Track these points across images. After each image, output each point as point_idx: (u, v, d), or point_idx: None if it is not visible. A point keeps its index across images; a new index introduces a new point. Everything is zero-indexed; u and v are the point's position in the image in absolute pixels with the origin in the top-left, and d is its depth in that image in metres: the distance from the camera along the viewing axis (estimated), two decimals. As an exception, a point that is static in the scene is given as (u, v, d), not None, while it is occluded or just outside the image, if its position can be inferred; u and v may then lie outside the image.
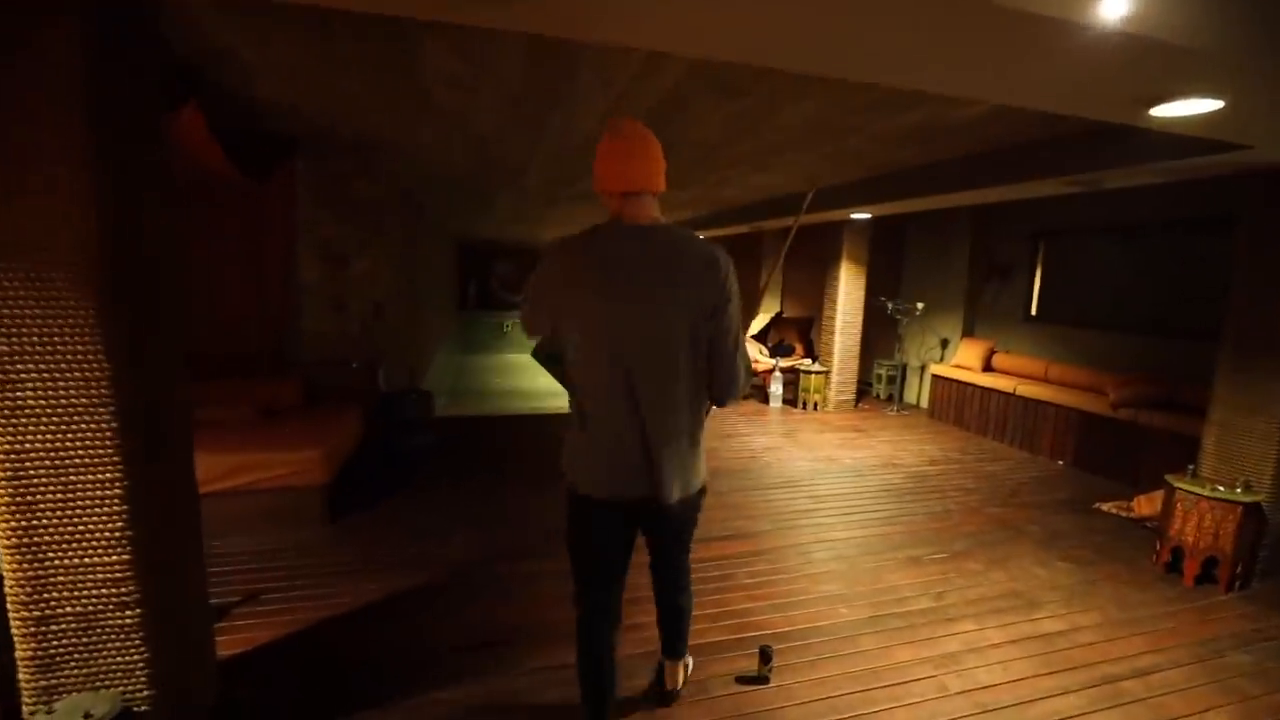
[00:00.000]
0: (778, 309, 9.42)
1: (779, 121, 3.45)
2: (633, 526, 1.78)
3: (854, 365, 6.89)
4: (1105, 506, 4.14)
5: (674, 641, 2.14)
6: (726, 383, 1.65)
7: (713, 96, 3.03)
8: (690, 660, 2.28)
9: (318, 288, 4.59)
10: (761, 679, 2.30)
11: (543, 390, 13.58)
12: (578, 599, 1.83)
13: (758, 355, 7.45)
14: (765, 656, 2.32)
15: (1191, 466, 3.34)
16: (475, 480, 4.32)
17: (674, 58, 2.48)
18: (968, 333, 6.68)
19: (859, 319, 6.80)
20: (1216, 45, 1.51)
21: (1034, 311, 6.08)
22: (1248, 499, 3.00)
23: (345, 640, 2.49)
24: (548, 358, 1.70)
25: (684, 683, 2.24)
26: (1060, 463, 5.15)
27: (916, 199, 4.72)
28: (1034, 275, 6.05)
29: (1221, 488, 3.09)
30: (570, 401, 1.68)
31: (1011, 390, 5.63)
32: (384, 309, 4.73)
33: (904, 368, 7.25)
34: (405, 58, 2.61)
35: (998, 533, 3.73)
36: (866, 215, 5.81)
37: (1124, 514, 4.01)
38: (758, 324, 8.47)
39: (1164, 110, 1.98)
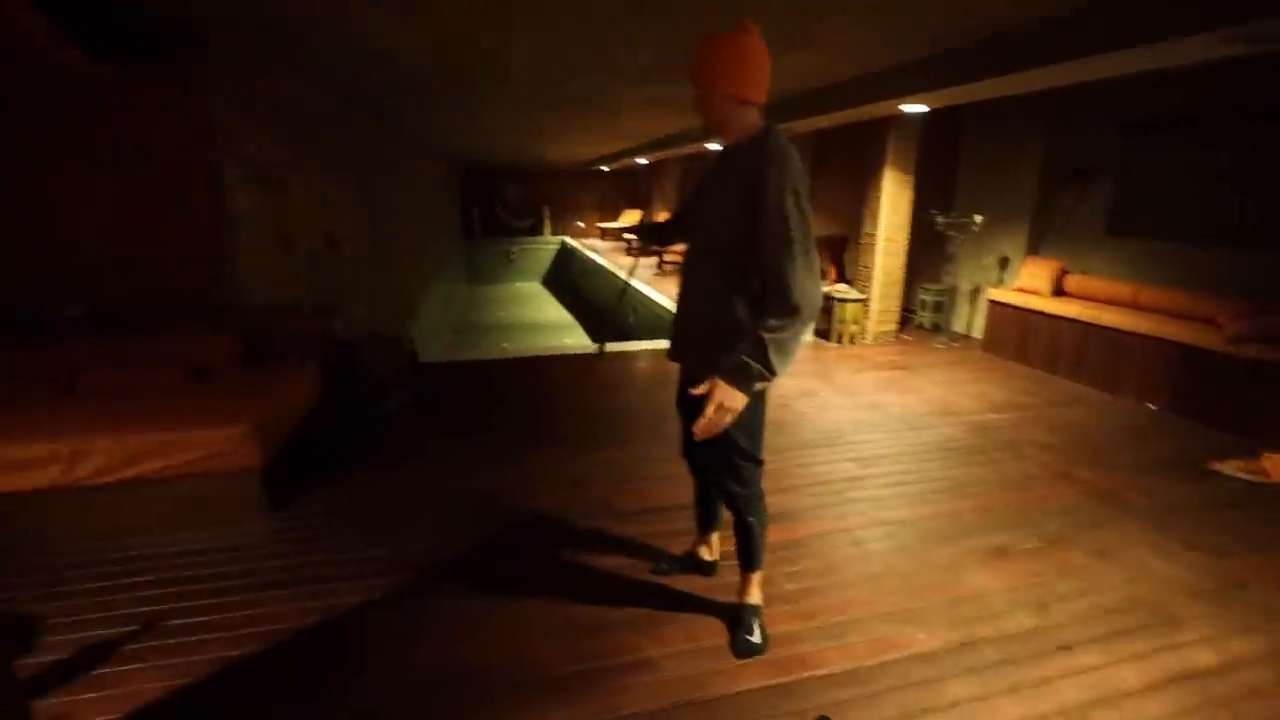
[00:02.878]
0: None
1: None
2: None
3: (897, 292, 6.00)
4: (1224, 467, 3.36)
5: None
6: (771, 295, 1.58)
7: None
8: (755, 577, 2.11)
9: (254, 218, 3.76)
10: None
11: (551, 322, 12.85)
12: None
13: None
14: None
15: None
16: (457, 446, 3.64)
17: None
18: (1033, 250, 5.70)
19: (904, 237, 5.84)
20: None
21: (1120, 224, 5.07)
22: None
23: (258, 693, 1.87)
24: None
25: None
26: (1152, 407, 4.35)
27: (996, 78, 3.67)
28: (1122, 178, 5.00)
29: None
30: None
31: (1090, 319, 4.74)
32: (338, 240, 3.90)
33: (953, 292, 6.34)
34: None
35: (1097, 508, 3.00)
36: (922, 108, 4.74)
37: (1252, 477, 3.24)
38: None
39: None
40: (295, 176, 3.76)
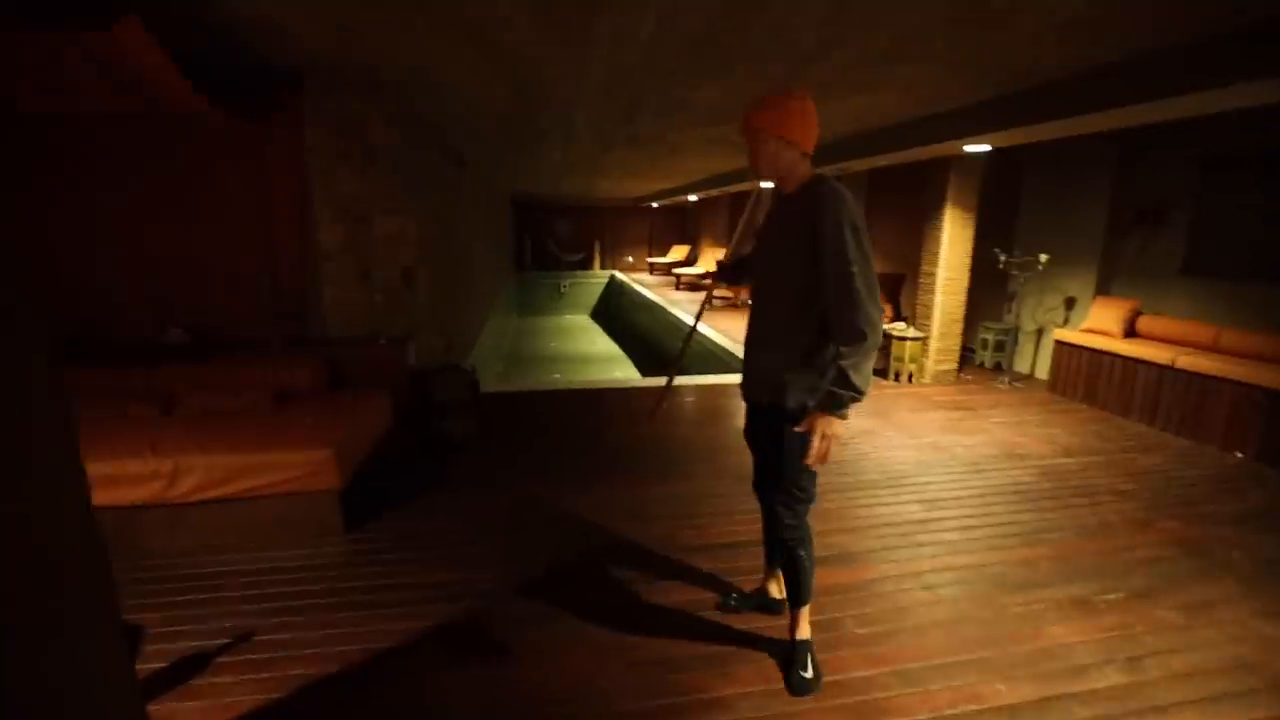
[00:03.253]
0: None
1: (902, 9, 2.53)
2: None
3: (957, 330, 5.88)
4: (1327, 522, 3.15)
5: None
6: (840, 326, 1.70)
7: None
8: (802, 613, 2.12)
9: (340, 252, 4.01)
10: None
11: (600, 354, 13.02)
12: None
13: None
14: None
15: None
16: (519, 476, 3.72)
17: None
18: (1103, 290, 5.53)
19: (965, 276, 5.75)
20: None
21: (1196, 263, 4.89)
22: None
23: (340, 712, 1.94)
24: None
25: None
26: (1239, 455, 4.11)
27: (1064, 120, 3.65)
28: (1198, 216, 4.83)
29: None
30: None
31: (1169, 361, 4.55)
32: (414, 274, 4.11)
33: (1015, 332, 6.18)
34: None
35: (1185, 560, 2.84)
36: (985, 147, 4.73)
37: (1360, 535, 3.03)
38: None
39: None
40: (376, 213, 4.00)
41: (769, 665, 2.13)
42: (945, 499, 3.48)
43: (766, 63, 3.36)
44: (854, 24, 2.74)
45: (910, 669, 2.13)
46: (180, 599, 2.49)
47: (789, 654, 2.10)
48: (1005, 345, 6.02)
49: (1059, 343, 5.46)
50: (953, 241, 5.57)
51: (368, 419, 3.40)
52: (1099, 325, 5.18)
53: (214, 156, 3.66)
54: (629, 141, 6.36)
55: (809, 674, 2.03)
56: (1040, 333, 6.06)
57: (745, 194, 13.00)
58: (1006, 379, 5.83)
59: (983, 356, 6.37)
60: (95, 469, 2.71)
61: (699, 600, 2.49)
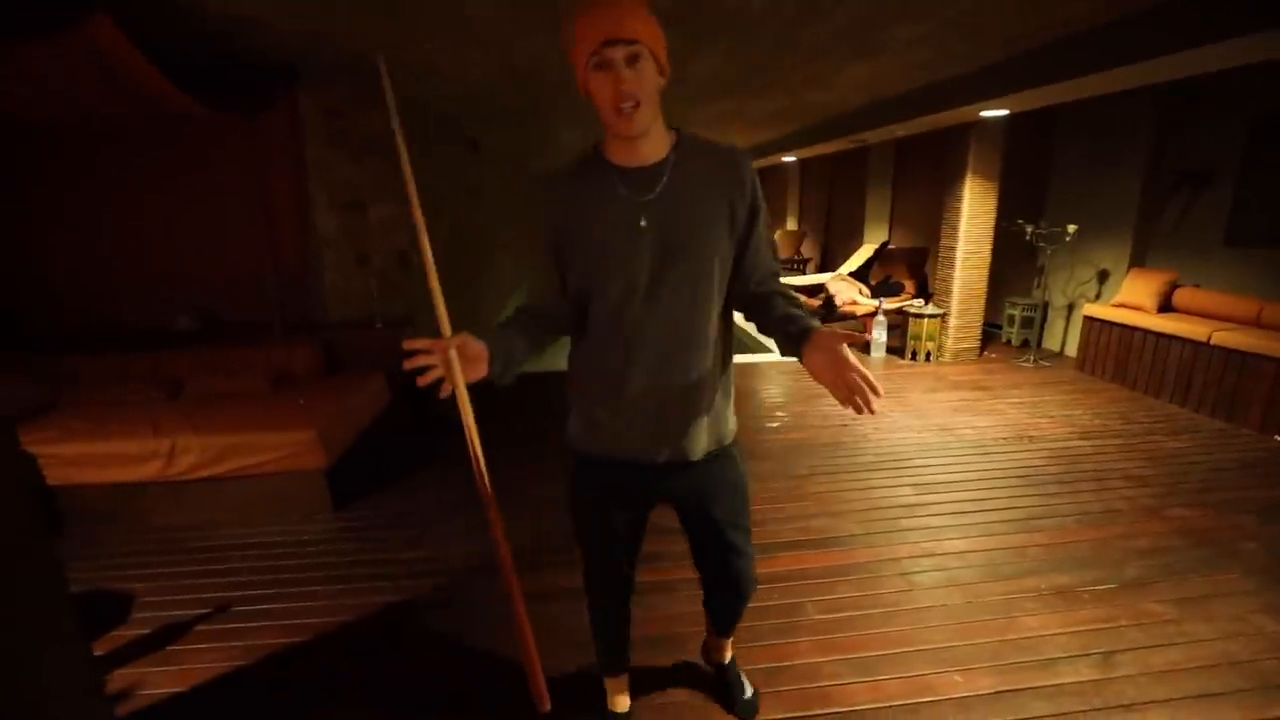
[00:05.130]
0: (884, 239, 8.06)
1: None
2: None
3: (978, 306, 5.61)
4: (1362, 512, 2.90)
5: None
6: (777, 295, 1.31)
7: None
8: None
9: (337, 239, 4.10)
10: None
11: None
12: None
13: (856, 296, 6.32)
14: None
15: None
16: (513, 457, 3.76)
17: None
18: (1138, 262, 5.18)
19: (986, 249, 5.47)
20: None
21: (1241, 233, 4.51)
22: None
23: (303, 679, 2.02)
24: None
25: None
26: (1278, 439, 3.81)
27: (1082, 78, 3.40)
28: (1244, 182, 4.44)
29: None
30: None
31: (1204, 338, 4.23)
32: (410, 258, 4.18)
33: (1045, 307, 5.86)
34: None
35: (1191, 551, 2.66)
36: (1002, 112, 4.45)
37: (1398, 527, 2.77)
38: (858, 259, 7.26)
39: None
40: (373, 200, 4.06)
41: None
42: (941, 483, 3.35)
43: (755, 29, 3.23)
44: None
45: (864, 657, 2.07)
46: (172, 570, 2.64)
47: (727, 676, 1.89)
48: (1033, 321, 5.71)
49: (1088, 318, 5.15)
50: (973, 213, 5.30)
51: (359, 400, 3.49)
52: (1131, 299, 4.85)
53: (214, 150, 3.79)
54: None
55: (751, 691, 1.88)
56: (1071, 308, 5.73)
57: (773, 168, 12.62)
58: (1032, 357, 5.55)
59: (1009, 334, 6.08)
60: (105, 448, 2.90)
61: (662, 582, 2.47)
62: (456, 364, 1.12)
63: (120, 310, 4.01)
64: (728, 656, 1.89)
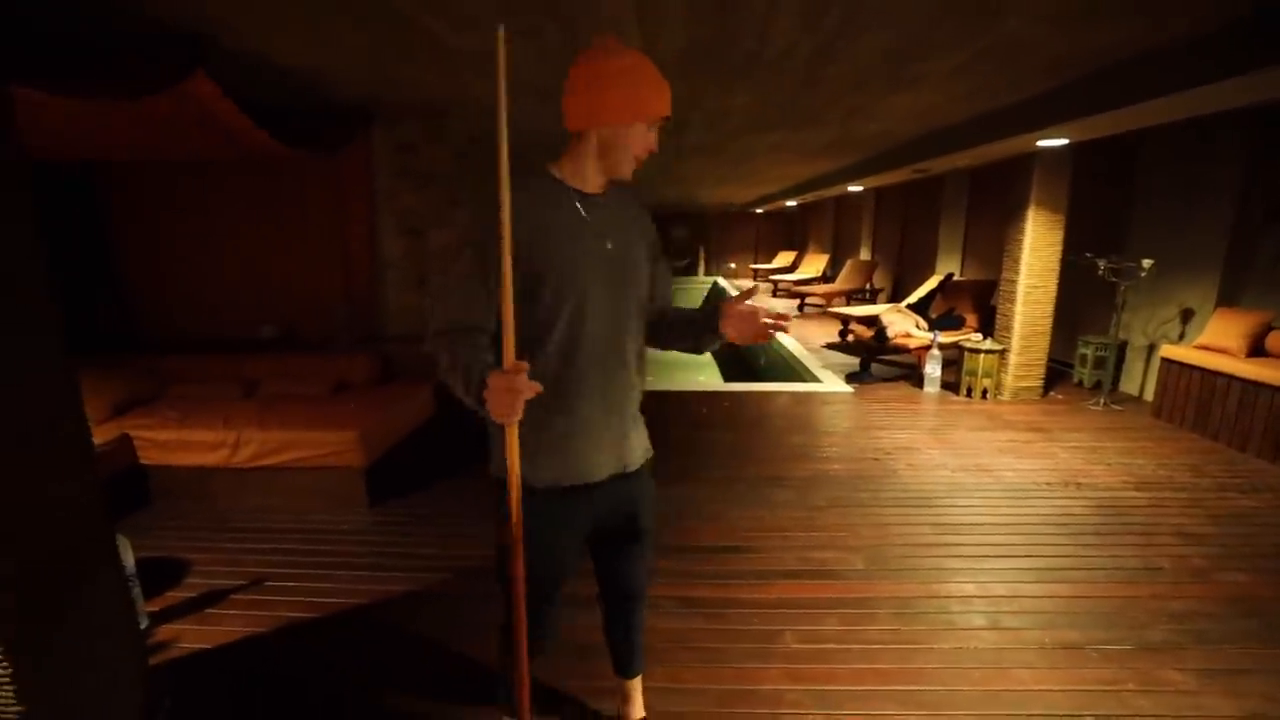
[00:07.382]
0: (950, 271, 7.75)
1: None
2: None
3: (1042, 343, 5.30)
4: None
5: None
6: (674, 313, 1.52)
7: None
8: None
9: (401, 262, 4.52)
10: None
11: (686, 359, 13.10)
12: None
13: (911, 328, 6.13)
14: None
15: None
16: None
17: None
18: (1226, 301, 4.73)
19: (1051, 283, 5.18)
20: None
21: (1350, 271, 4.04)
22: None
23: (313, 650, 2.26)
24: None
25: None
26: (1377, 505, 3.37)
27: (1138, 105, 3.23)
28: (1355, 216, 4.00)
29: None
30: None
31: (1296, 388, 3.82)
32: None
33: (1122, 347, 5.44)
34: None
35: (1235, 620, 2.42)
36: (1061, 141, 4.26)
37: None
38: (920, 290, 7.03)
39: None
40: (432, 226, 4.46)
41: (676, 664, 2.15)
42: (964, 524, 3.22)
43: (773, 70, 3.33)
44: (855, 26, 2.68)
45: (831, 691, 2.05)
46: (225, 545, 2.99)
47: None
48: (1105, 362, 5.32)
49: (1166, 360, 4.74)
50: (1036, 246, 5.05)
51: (404, 407, 3.81)
52: (1216, 341, 4.44)
53: (299, 185, 4.30)
54: (696, 150, 6.43)
55: None
56: (1151, 349, 5.29)
57: (844, 199, 12.46)
58: (1102, 400, 5.15)
59: (1081, 374, 5.67)
60: (186, 435, 3.34)
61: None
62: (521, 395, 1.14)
63: (218, 321, 4.58)
64: (640, 711, 1.83)
